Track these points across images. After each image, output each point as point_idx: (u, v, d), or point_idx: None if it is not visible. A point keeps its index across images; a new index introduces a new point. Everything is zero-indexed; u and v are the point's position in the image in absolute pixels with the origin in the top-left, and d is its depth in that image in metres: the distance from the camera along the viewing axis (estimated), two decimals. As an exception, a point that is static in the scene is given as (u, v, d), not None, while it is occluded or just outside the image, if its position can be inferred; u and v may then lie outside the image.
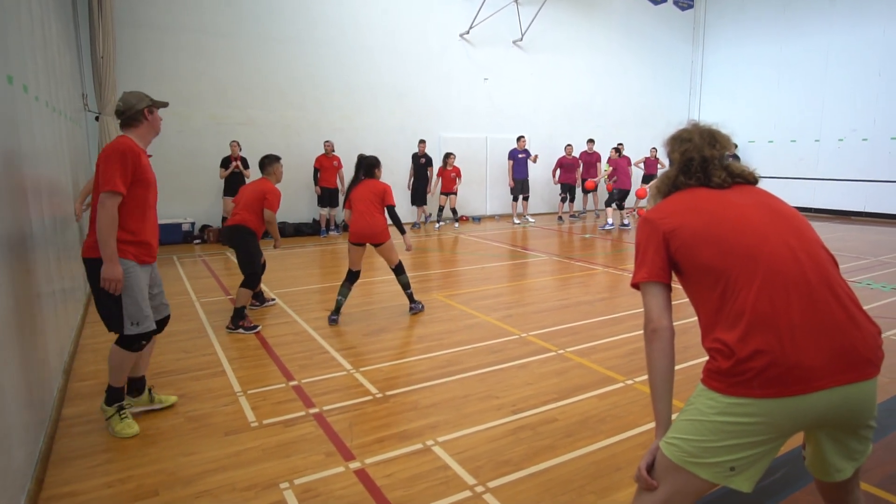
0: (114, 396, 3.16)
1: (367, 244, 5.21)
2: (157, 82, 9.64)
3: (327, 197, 10.59)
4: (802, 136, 14.49)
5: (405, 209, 11.62)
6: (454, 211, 12.11)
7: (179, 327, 5.10)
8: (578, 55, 14.60)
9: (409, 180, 11.73)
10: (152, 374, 3.99)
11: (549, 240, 10.65)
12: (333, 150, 10.61)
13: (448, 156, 11.72)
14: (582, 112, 14.84)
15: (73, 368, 4.10)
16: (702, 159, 1.73)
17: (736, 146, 14.20)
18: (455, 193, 11.88)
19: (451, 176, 11.71)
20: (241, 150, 9.79)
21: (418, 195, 11.76)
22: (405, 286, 5.44)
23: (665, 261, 1.62)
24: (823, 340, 1.40)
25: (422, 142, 11.55)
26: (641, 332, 1.67)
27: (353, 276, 5.23)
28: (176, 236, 9.73)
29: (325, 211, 10.70)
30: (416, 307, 5.51)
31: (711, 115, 16.82)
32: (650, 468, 1.57)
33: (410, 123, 12.19)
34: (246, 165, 9.72)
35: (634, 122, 15.65)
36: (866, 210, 13.39)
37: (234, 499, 2.53)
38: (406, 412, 3.39)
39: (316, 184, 10.58)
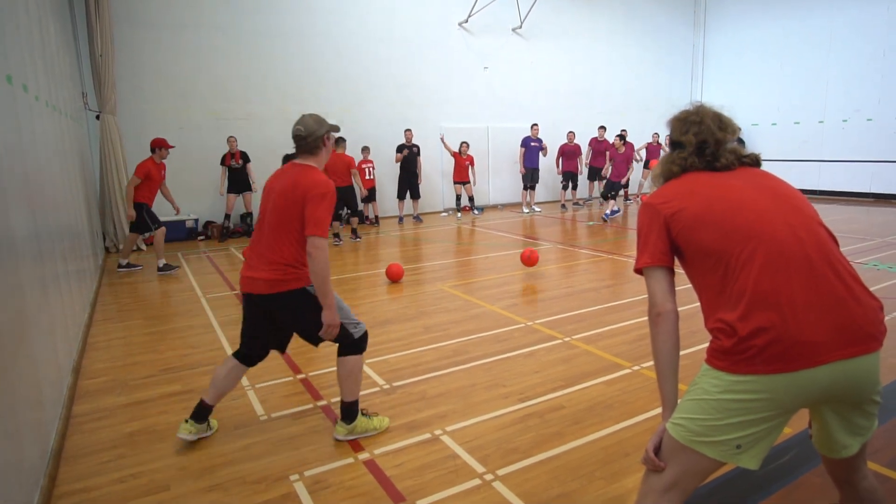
0: (354, 411, 2.96)
1: None
2: (156, 79, 9.64)
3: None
4: (806, 117, 14.37)
5: (393, 203, 11.65)
6: (472, 199, 12.14)
7: (186, 323, 5.13)
8: (579, 41, 14.49)
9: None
10: (159, 370, 4.02)
11: (553, 228, 10.63)
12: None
13: (462, 144, 11.76)
14: (583, 99, 14.74)
15: (83, 366, 4.13)
16: (715, 142, 1.72)
17: (739, 130, 14.15)
18: (470, 182, 11.91)
19: (465, 164, 11.74)
20: (237, 144, 9.77)
21: (407, 188, 11.39)
22: None
23: (667, 245, 1.63)
24: (825, 316, 1.41)
25: (408, 130, 11.40)
26: (647, 317, 1.67)
27: None
28: (180, 233, 9.75)
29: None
30: None
31: (714, 99, 16.72)
32: (657, 450, 1.58)
33: (410, 114, 12.15)
34: (247, 159, 9.72)
35: (637, 107, 15.54)
36: (872, 191, 13.30)
37: (245, 492, 2.55)
38: (413, 402, 3.40)
39: None
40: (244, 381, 3.77)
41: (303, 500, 2.47)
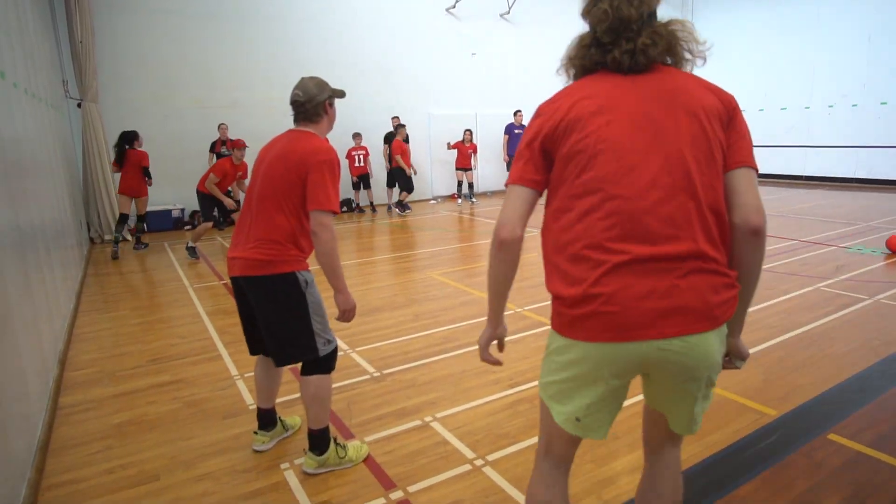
0: (324, 440, 2.54)
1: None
2: (138, 66, 9.47)
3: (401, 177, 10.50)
4: (793, 103, 14.45)
5: (383, 190, 11.59)
6: (471, 186, 12.19)
7: (174, 313, 5.08)
8: (567, 27, 14.34)
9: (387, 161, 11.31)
10: (147, 360, 3.99)
11: (538, 215, 10.62)
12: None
13: (466, 132, 11.88)
14: (566, 82, 14.69)
15: (68, 358, 4.09)
16: (618, 21, 1.34)
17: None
18: (472, 169, 12.02)
19: (468, 152, 11.82)
20: (229, 132, 9.66)
21: (397, 177, 11.17)
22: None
23: (541, 163, 1.43)
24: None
25: (395, 118, 11.31)
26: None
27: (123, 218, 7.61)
28: (166, 223, 9.65)
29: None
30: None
31: (701, 85, 16.74)
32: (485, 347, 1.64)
33: (398, 101, 12.06)
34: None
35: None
36: (857, 176, 13.44)
37: (235, 480, 2.54)
38: (404, 390, 3.41)
39: None
40: (233, 370, 3.76)
41: (293, 489, 2.47)
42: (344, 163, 10.89)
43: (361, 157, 10.80)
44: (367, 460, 2.66)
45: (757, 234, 1.30)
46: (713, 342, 1.31)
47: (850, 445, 2.65)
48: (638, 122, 1.32)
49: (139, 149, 7.69)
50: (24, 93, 4.16)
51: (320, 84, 2.50)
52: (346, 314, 2.52)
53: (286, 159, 2.36)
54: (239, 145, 7.22)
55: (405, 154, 10.88)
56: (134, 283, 6.29)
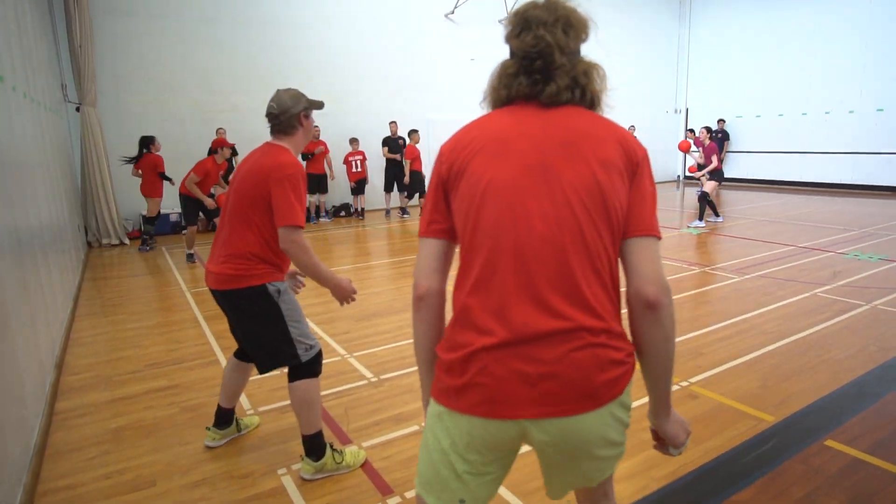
0: (319, 445, 2.53)
1: None
2: (138, 71, 9.48)
3: (315, 183, 10.50)
4: (790, 109, 14.51)
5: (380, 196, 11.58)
6: None
7: (171, 317, 5.08)
8: (565, 33, 14.47)
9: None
10: (144, 365, 3.98)
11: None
12: (319, 136, 10.52)
13: None
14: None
15: (65, 362, 4.08)
16: (548, 53, 1.24)
17: (722, 121, 14.09)
18: None
19: None
20: (227, 136, 9.66)
21: (393, 180, 11.13)
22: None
23: (446, 209, 1.28)
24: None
25: (392, 123, 11.30)
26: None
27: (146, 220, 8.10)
28: (164, 227, 9.63)
29: (314, 198, 10.63)
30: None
31: (699, 91, 16.87)
32: None
33: (396, 106, 12.08)
34: (234, 152, 9.60)
35: (622, 100, 15.58)
36: (854, 182, 13.48)
37: (233, 486, 2.53)
38: (401, 395, 3.40)
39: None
40: (231, 375, 3.75)
41: (291, 494, 2.46)
42: (343, 167, 10.91)
43: (359, 162, 10.81)
44: (365, 465, 2.65)
45: (652, 308, 1.14)
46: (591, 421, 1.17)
47: (848, 451, 2.66)
48: (532, 168, 1.17)
49: (155, 153, 8.12)
50: (23, 96, 4.16)
51: (295, 96, 2.51)
52: (344, 301, 2.56)
53: (254, 175, 2.38)
54: (223, 144, 7.22)
55: (417, 159, 10.90)
56: (132, 288, 6.28)
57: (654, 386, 1.25)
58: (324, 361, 3.87)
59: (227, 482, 2.56)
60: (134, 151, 8.28)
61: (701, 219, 8.97)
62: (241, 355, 2.77)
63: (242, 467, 2.68)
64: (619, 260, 1.21)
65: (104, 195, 8.72)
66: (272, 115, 2.48)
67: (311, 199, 10.64)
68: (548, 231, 1.13)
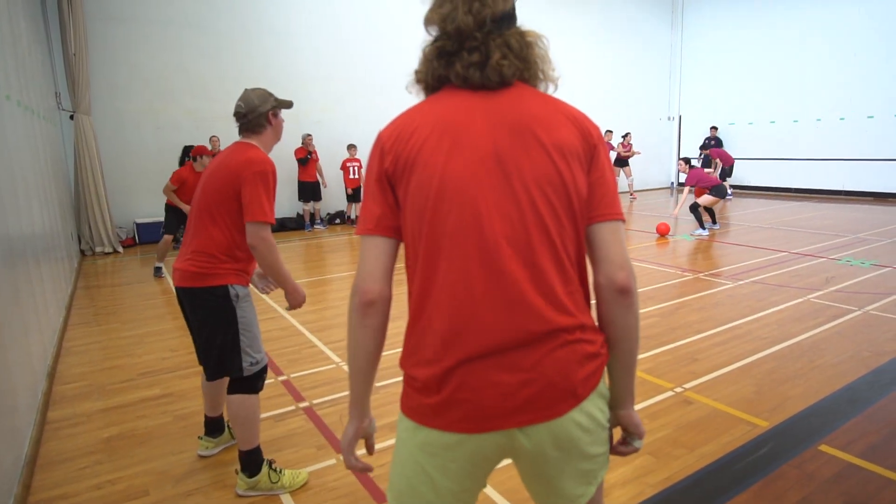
0: (253, 462, 2.48)
1: None
2: (132, 78, 9.47)
3: (309, 191, 10.51)
4: (781, 117, 14.64)
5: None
6: None
7: (165, 326, 5.05)
8: (558, 42, 14.46)
9: None
10: (138, 374, 3.96)
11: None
12: (312, 144, 10.54)
13: None
14: (563, 98, 14.81)
15: (58, 371, 4.05)
16: (456, 32, 1.13)
17: (715, 128, 14.10)
18: None
19: None
20: (220, 144, 9.65)
21: None
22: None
23: (393, 203, 1.17)
24: None
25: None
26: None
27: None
28: (158, 235, 9.54)
29: (308, 205, 10.63)
30: None
31: (692, 98, 16.99)
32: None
33: (391, 113, 12.01)
34: None
35: (615, 107, 15.68)
36: (845, 189, 13.59)
37: (226, 496, 2.52)
38: (395, 402, 3.36)
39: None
40: (225, 383, 3.73)
41: (284, 503, 2.45)
42: (339, 175, 10.91)
43: (356, 168, 10.82)
44: (360, 474, 2.64)
45: (624, 294, 1.11)
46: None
47: (841, 456, 2.67)
48: (487, 160, 1.09)
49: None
50: (17, 105, 4.16)
51: (263, 95, 2.49)
52: (297, 306, 2.56)
53: (222, 172, 2.37)
54: (203, 152, 7.03)
55: None
56: (125, 296, 6.25)
57: (624, 374, 1.21)
58: (319, 370, 3.88)
59: (220, 491, 2.55)
60: (128, 159, 8.22)
61: (703, 227, 9.01)
62: None
63: (235, 477, 2.66)
64: (586, 246, 1.16)
65: (98, 203, 8.69)
66: (240, 115, 2.47)
67: (306, 207, 10.64)
68: (512, 232, 1.07)
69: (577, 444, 1.13)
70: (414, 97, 1.29)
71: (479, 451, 1.13)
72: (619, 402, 1.24)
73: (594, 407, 1.14)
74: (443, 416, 1.10)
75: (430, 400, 1.11)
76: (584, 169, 1.13)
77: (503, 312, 1.07)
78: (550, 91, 1.23)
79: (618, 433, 1.29)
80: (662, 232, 9.01)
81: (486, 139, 1.10)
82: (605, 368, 1.19)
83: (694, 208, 9.03)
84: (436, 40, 1.18)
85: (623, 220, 1.16)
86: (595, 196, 1.13)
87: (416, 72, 1.22)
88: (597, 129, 1.18)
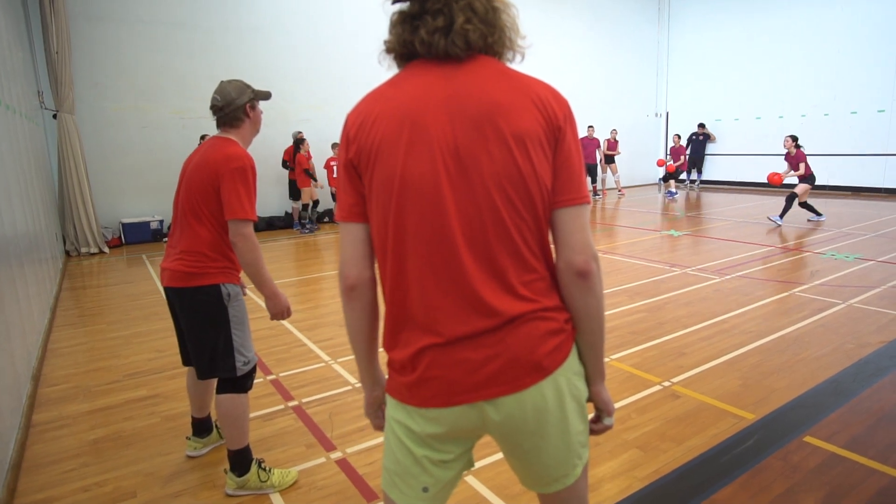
0: (243, 461, 2.47)
1: None
2: (116, 77, 9.37)
3: (298, 189, 10.47)
4: (767, 112, 14.78)
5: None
6: None
7: (151, 326, 5.01)
8: (546, 41, 14.61)
9: None
10: (124, 375, 3.92)
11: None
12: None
13: None
14: (551, 95, 14.91)
15: (42, 373, 4.00)
16: None
17: (703, 125, 14.23)
18: None
19: None
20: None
21: None
22: None
23: (361, 192, 1.19)
24: None
25: None
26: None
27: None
28: (145, 235, 9.52)
29: (296, 204, 10.58)
30: None
31: (679, 95, 17.10)
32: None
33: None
34: None
35: (603, 104, 15.76)
36: (830, 183, 13.75)
37: (214, 496, 2.50)
38: (386, 400, 3.38)
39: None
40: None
41: (274, 503, 2.44)
42: (324, 173, 10.87)
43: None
44: (350, 472, 2.64)
45: (582, 276, 1.14)
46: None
47: (826, 447, 2.70)
48: (446, 156, 1.09)
49: (303, 153, 9.79)
50: (-2, 104, 4.10)
51: (240, 87, 2.44)
52: (277, 316, 2.50)
53: (202, 169, 2.33)
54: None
55: None
56: (110, 297, 6.19)
57: (590, 352, 1.24)
58: (308, 368, 3.87)
59: (209, 492, 2.53)
60: (113, 159, 8.15)
61: (781, 216, 9.20)
62: (190, 362, 2.68)
63: (224, 476, 2.64)
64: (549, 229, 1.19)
65: (82, 203, 8.59)
66: (216, 108, 2.42)
67: (294, 206, 10.59)
68: (470, 230, 1.10)
69: (549, 416, 1.16)
70: (386, 70, 1.28)
71: (455, 424, 1.18)
72: (588, 380, 1.28)
73: (564, 381, 1.16)
74: (417, 393, 1.16)
75: (405, 379, 1.18)
76: (548, 156, 1.13)
77: (461, 309, 1.11)
78: (517, 62, 1.24)
79: (591, 411, 1.32)
80: (775, 182, 9.72)
81: (446, 133, 1.09)
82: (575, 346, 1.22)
83: (791, 198, 9.15)
84: (402, 8, 1.16)
85: (588, 203, 1.17)
86: (559, 180, 1.14)
87: (386, 41, 1.20)
88: (564, 107, 1.17)
